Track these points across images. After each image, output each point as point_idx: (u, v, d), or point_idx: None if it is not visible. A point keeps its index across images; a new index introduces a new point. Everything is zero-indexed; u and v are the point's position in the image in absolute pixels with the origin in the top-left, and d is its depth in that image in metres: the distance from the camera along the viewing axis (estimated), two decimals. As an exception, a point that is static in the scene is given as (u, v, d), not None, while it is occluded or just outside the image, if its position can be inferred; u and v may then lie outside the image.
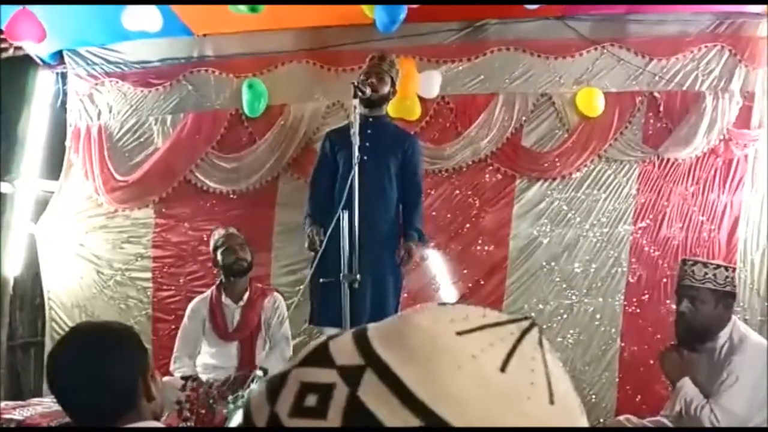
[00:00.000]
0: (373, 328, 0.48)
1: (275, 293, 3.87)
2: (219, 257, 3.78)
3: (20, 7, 4.20)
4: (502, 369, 0.44)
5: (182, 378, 3.25)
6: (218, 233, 3.87)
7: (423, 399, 0.42)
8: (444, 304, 0.50)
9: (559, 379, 0.46)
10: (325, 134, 3.97)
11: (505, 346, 0.45)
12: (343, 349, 0.46)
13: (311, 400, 0.44)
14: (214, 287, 3.87)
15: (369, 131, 3.54)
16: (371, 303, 3.47)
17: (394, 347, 0.45)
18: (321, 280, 3.36)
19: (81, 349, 1.54)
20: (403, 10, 3.97)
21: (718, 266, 2.76)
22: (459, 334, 0.45)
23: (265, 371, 3.38)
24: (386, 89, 3.65)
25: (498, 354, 0.45)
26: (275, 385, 0.46)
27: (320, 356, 0.46)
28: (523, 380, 0.44)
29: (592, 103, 4.35)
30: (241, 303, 3.75)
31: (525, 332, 0.47)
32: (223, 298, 3.78)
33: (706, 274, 2.72)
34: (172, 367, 3.74)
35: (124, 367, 1.53)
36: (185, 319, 3.84)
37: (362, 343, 0.46)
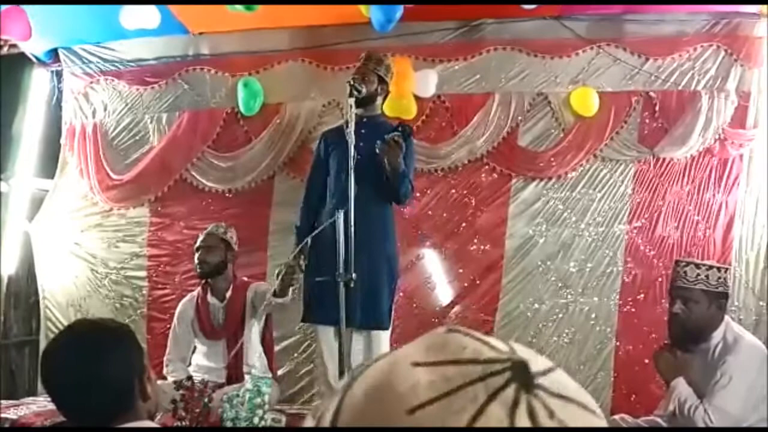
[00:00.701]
0: (406, 346, 0.46)
1: (254, 283, 3.85)
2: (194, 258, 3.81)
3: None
4: (412, 411, 0.39)
5: (174, 383, 3.23)
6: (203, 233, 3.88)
7: (341, 413, 0.42)
8: (452, 330, 0.45)
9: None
10: (321, 134, 3.95)
11: (442, 388, 0.40)
12: (369, 361, 0.47)
13: (323, 408, 0.45)
14: (199, 287, 3.86)
15: (363, 131, 3.53)
16: (365, 302, 3.46)
17: (372, 365, 0.45)
18: (317, 279, 3.35)
19: (78, 347, 1.51)
20: (399, 9, 3.96)
21: (711, 267, 2.77)
22: (414, 365, 0.42)
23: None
24: (372, 87, 3.61)
25: (425, 394, 0.40)
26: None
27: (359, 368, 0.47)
28: (432, 426, 0.39)
29: (587, 102, 4.35)
30: (226, 301, 3.74)
31: (485, 377, 0.40)
32: (209, 297, 3.78)
33: (698, 275, 2.72)
34: (165, 371, 3.73)
35: (122, 367, 1.50)
36: (174, 322, 3.83)
37: (377, 359, 0.46)
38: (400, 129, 3.34)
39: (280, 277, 3.33)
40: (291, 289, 3.48)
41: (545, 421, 0.40)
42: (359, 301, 3.42)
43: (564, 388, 0.42)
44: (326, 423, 0.42)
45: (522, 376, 0.41)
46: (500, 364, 0.41)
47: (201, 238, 3.81)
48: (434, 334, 0.45)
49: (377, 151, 3.32)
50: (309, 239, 3.26)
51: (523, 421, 0.39)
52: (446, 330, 0.45)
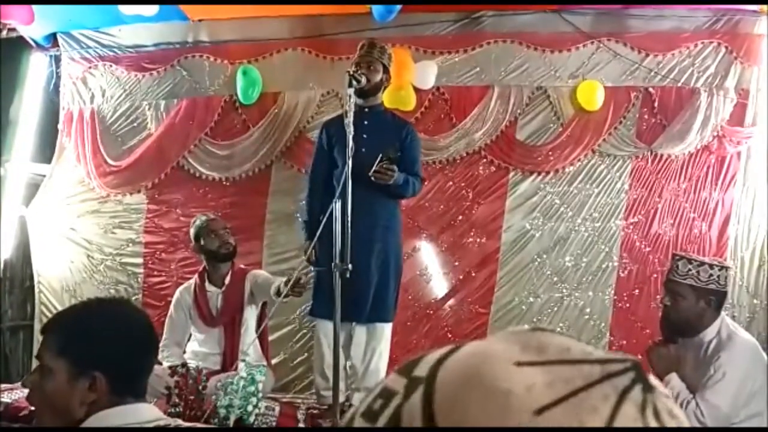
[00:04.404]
0: (469, 344, 0.45)
1: (253, 270, 3.85)
2: (203, 242, 3.76)
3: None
4: (539, 412, 0.38)
5: (169, 368, 3.24)
6: (199, 220, 3.84)
7: (438, 424, 0.40)
8: (537, 329, 0.44)
9: None
10: (322, 125, 3.90)
11: (563, 389, 0.39)
12: (429, 360, 0.44)
13: (377, 404, 0.43)
14: (197, 275, 3.85)
15: (365, 122, 3.50)
16: (375, 296, 3.49)
17: (455, 365, 0.43)
18: (311, 269, 3.36)
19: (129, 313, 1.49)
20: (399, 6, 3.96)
21: (702, 264, 2.76)
22: (518, 364, 0.40)
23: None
24: (378, 77, 3.57)
25: (548, 395, 0.39)
26: (375, 387, 0.46)
27: (411, 364, 0.45)
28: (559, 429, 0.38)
29: (593, 96, 4.35)
30: (224, 288, 3.74)
31: (611, 376, 0.40)
32: (207, 284, 3.77)
33: (689, 270, 2.73)
34: (160, 356, 3.73)
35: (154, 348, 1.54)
36: (171, 309, 3.82)
37: (443, 357, 0.44)
38: (383, 158, 3.37)
39: (289, 285, 3.31)
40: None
41: (668, 420, 0.39)
42: (369, 295, 3.44)
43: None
44: (417, 422, 0.41)
45: (642, 376, 0.40)
46: (620, 363, 0.40)
47: (209, 223, 3.74)
48: (521, 333, 0.44)
49: (372, 179, 3.36)
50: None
51: (652, 420, 0.39)
52: (530, 329, 0.44)
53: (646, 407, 0.39)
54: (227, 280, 3.74)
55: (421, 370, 0.43)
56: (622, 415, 0.38)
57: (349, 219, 3.11)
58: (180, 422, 1.46)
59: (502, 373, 0.40)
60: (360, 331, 3.55)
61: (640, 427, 0.39)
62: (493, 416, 0.39)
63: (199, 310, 3.74)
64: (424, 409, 0.41)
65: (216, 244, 3.71)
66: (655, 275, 4.27)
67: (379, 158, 3.36)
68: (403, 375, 0.44)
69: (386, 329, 3.59)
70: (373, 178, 3.36)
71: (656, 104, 4.40)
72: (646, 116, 4.43)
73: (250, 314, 3.73)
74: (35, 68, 4.87)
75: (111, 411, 1.34)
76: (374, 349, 3.54)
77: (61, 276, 4.68)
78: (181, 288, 3.89)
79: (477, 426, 0.39)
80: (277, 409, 3.43)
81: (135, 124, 4.74)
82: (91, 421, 1.33)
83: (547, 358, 0.41)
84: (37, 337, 4.58)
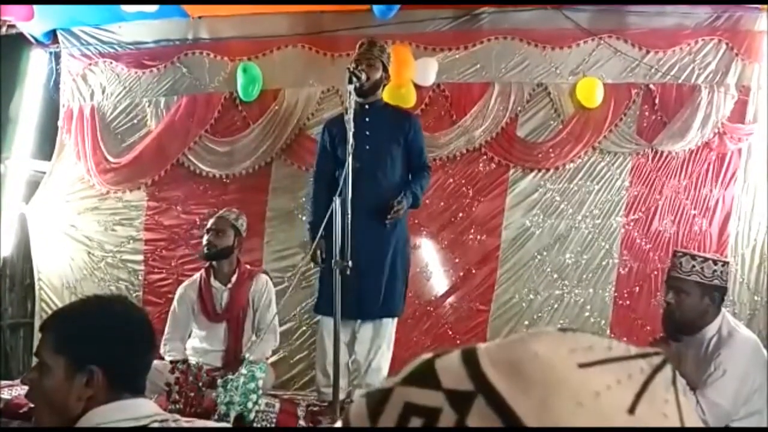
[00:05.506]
0: (483, 350, 0.44)
1: (262, 274, 3.85)
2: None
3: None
4: (631, 410, 0.40)
5: (171, 362, 3.24)
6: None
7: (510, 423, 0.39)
8: (565, 330, 0.45)
9: (694, 425, 0.42)
10: (324, 125, 3.91)
11: (633, 385, 0.41)
12: (451, 370, 0.43)
13: (416, 423, 0.41)
14: (203, 270, 3.85)
15: (367, 119, 3.50)
16: (385, 292, 3.50)
17: (507, 374, 0.42)
18: (312, 264, 3.37)
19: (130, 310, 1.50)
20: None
21: (706, 259, 2.76)
22: (581, 366, 0.41)
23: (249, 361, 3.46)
24: (378, 75, 3.59)
25: (626, 393, 0.40)
26: (377, 402, 0.44)
27: (426, 376, 0.43)
28: (655, 425, 0.40)
29: (593, 93, 4.35)
30: (230, 285, 3.74)
31: (656, 370, 0.42)
32: (212, 280, 3.77)
33: (693, 266, 2.73)
34: (162, 351, 3.73)
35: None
36: (174, 304, 3.83)
37: (472, 365, 0.43)
38: (390, 203, 3.46)
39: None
40: None
41: (689, 401, 0.42)
42: (379, 292, 3.45)
43: None
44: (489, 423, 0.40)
45: (672, 365, 0.43)
46: (657, 356, 0.43)
47: (212, 221, 3.80)
48: (552, 334, 0.44)
49: (386, 225, 3.47)
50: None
51: (682, 396, 0.42)
52: (559, 329, 0.45)
53: (686, 392, 0.42)
54: (234, 278, 3.75)
55: (456, 381, 0.42)
56: (683, 403, 0.42)
57: (350, 216, 3.12)
58: (179, 418, 1.46)
59: (574, 377, 0.40)
60: (366, 328, 3.56)
61: (640, 427, 0.39)
62: (590, 418, 0.39)
63: (203, 306, 3.74)
64: (506, 419, 0.40)
65: (203, 245, 3.75)
66: (655, 272, 4.27)
67: (390, 206, 3.45)
68: (425, 387, 0.43)
69: (391, 326, 3.60)
70: (388, 225, 3.46)
71: (657, 101, 4.40)
72: (646, 113, 4.42)
73: (251, 314, 3.75)
74: (35, 65, 4.87)
75: (108, 406, 1.34)
76: (379, 347, 3.55)
77: (62, 273, 4.68)
78: (185, 284, 3.89)
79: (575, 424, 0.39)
80: (277, 406, 3.43)
81: (135, 121, 4.74)
82: (88, 417, 1.33)
83: (598, 358, 0.42)
84: (38, 335, 4.58)
